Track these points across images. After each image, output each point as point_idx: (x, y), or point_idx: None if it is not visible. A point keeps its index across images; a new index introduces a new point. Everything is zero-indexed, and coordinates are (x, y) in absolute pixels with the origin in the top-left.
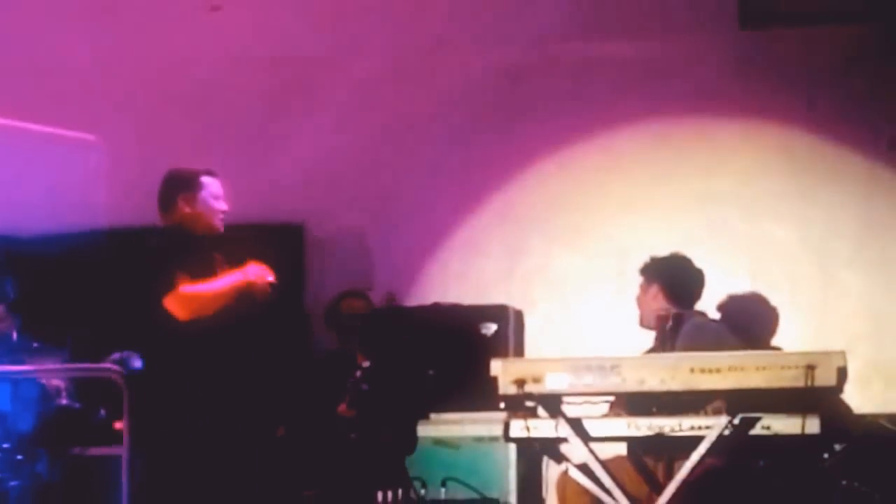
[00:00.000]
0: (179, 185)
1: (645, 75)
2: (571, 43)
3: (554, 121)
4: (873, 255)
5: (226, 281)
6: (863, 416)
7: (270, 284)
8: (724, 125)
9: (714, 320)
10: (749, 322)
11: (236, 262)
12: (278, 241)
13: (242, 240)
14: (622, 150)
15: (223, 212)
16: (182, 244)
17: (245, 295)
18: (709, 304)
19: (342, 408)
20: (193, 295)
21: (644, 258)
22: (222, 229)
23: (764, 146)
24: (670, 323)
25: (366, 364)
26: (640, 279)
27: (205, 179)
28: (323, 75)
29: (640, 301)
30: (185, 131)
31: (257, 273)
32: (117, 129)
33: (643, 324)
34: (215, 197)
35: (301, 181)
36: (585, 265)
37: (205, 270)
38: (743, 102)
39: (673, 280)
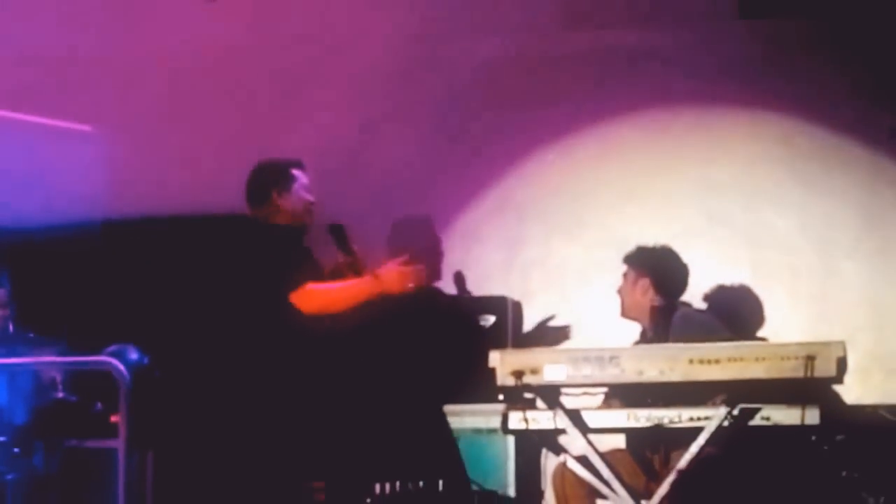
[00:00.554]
0: (273, 180)
1: (644, 65)
2: (571, 33)
3: (552, 111)
4: (874, 245)
5: (358, 287)
6: (862, 407)
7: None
8: (724, 115)
9: (701, 311)
10: (737, 312)
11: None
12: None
13: (239, 230)
14: (621, 140)
15: (312, 203)
16: (291, 239)
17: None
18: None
19: None
20: (323, 292)
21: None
22: (311, 221)
23: (764, 136)
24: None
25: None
26: (624, 269)
27: (296, 172)
28: (319, 66)
29: (626, 292)
30: (180, 122)
31: (394, 279)
32: (113, 120)
33: (628, 315)
34: (306, 189)
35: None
36: (584, 256)
37: (312, 263)
38: (743, 92)
39: (665, 272)
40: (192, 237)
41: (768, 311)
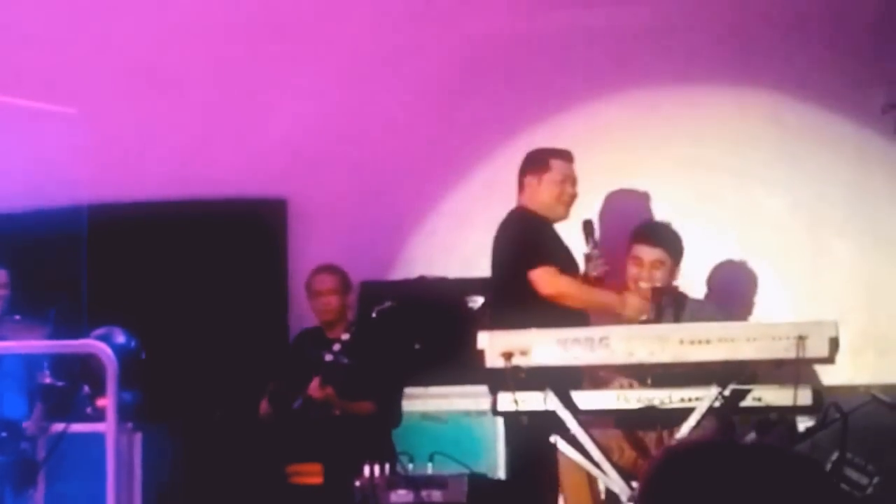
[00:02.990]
0: (528, 164)
1: (633, 43)
2: (557, 11)
3: (540, 90)
4: (865, 223)
5: (605, 299)
6: (855, 387)
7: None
8: (712, 93)
9: (713, 305)
10: (728, 292)
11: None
12: (261, 215)
13: (226, 214)
14: (610, 119)
15: (571, 196)
16: (544, 225)
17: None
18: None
19: (313, 387)
20: (560, 281)
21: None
22: (567, 215)
23: (754, 114)
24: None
25: (344, 337)
26: (651, 249)
27: (554, 162)
28: (306, 48)
29: (656, 272)
30: (167, 105)
31: (636, 308)
32: (98, 104)
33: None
34: (562, 181)
35: (284, 155)
36: (572, 236)
37: (559, 253)
38: (731, 70)
39: (682, 251)
40: (179, 221)
41: (759, 290)
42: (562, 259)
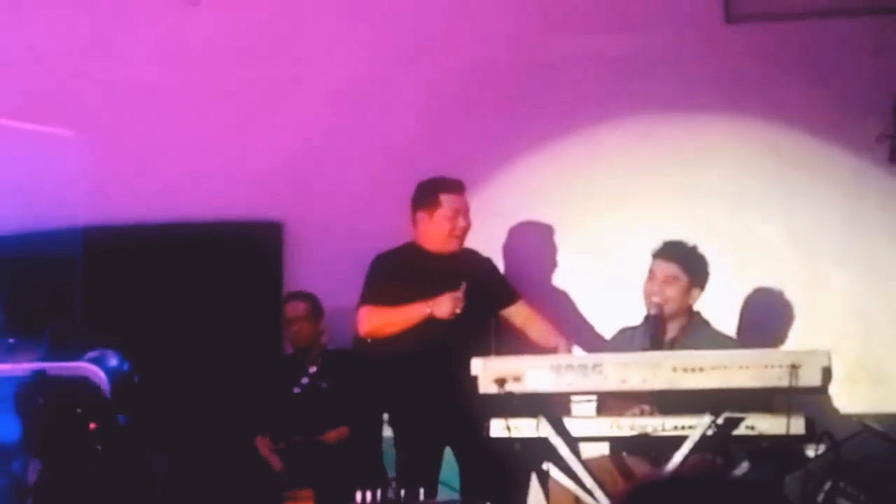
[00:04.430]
0: (418, 199)
1: (630, 70)
2: (555, 38)
3: (537, 117)
4: (860, 253)
5: (414, 311)
6: (849, 416)
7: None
8: (709, 121)
9: (726, 335)
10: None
11: (471, 278)
12: (257, 238)
13: (221, 237)
14: (606, 146)
15: (463, 229)
16: (403, 261)
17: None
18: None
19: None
20: (373, 314)
21: (629, 254)
22: (457, 248)
23: (750, 142)
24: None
25: (312, 369)
26: (666, 264)
27: (444, 197)
28: (303, 71)
29: (678, 292)
30: (163, 128)
31: (444, 309)
32: (95, 126)
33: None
34: (452, 216)
35: (280, 178)
36: (568, 262)
37: (426, 289)
38: (729, 98)
39: (701, 273)
40: (174, 244)
41: (756, 319)
42: (397, 293)
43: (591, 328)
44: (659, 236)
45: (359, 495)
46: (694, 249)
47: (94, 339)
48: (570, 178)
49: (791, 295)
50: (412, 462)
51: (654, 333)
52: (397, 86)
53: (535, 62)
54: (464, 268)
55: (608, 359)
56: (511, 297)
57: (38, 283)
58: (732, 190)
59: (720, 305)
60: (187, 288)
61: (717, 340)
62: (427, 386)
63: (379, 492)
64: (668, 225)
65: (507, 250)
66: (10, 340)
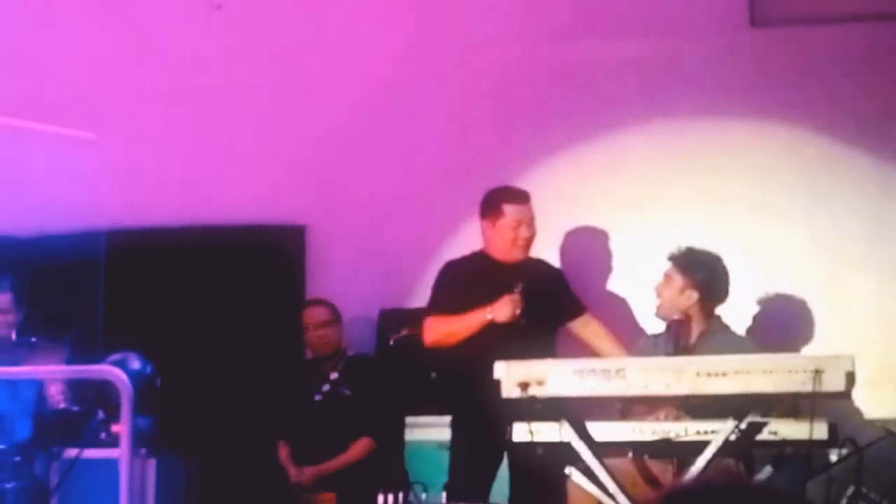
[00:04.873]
0: (483, 208)
1: (654, 74)
2: (579, 41)
3: (560, 120)
4: (883, 256)
5: (474, 318)
6: (872, 422)
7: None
8: (732, 124)
9: (744, 338)
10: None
11: (535, 287)
12: (280, 242)
13: (244, 241)
14: (629, 150)
15: (526, 239)
16: (470, 270)
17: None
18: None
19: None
20: (436, 325)
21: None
22: (521, 258)
23: (773, 146)
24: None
25: (333, 376)
26: (672, 270)
27: (507, 207)
28: (327, 74)
29: (671, 292)
30: (186, 131)
31: (503, 311)
32: (117, 129)
33: (667, 316)
34: (515, 226)
35: (303, 182)
36: (591, 265)
37: (491, 298)
38: (752, 101)
39: (717, 281)
40: (196, 247)
41: (778, 323)
42: (463, 301)
43: (614, 332)
44: (681, 240)
45: (381, 499)
46: (699, 255)
47: (116, 342)
48: (593, 182)
49: (814, 299)
50: (468, 468)
51: (676, 339)
52: (424, 90)
53: (560, 67)
54: (529, 277)
55: (631, 363)
56: (576, 309)
57: (60, 285)
58: (755, 193)
59: (743, 309)
60: (209, 291)
61: (737, 344)
62: (490, 393)
63: (401, 495)
64: (690, 229)
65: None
66: (33, 339)
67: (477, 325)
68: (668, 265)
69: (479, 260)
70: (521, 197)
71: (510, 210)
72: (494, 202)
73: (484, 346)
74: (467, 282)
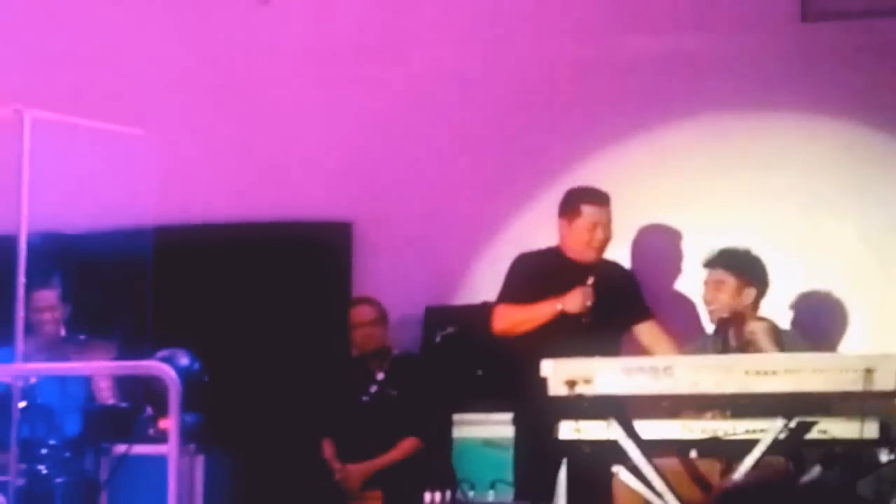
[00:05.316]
0: (562, 206)
1: (703, 69)
2: (628, 36)
3: (608, 115)
4: None
5: (545, 308)
6: None
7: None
8: (781, 120)
9: (792, 333)
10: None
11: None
12: (327, 238)
13: (291, 237)
14: (677, 146)
15: (601, 241)
16: (542, 265)
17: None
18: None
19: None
20: (507, 313)
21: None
22: (594, 259)
23: (823, 141)
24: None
25: (380, 376)
26: (722, 273)
27: (585, 208)
28: (374, 68)
29: (727, 295)
30: (234, 127)
31: (575, 302)
32: (165, 125)
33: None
34: (591, 227)
35: (350, 178)
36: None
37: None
38: (802, 97)
39: (765, 274)
40: (243, 244)
41: (828, 321)
42: (533, 294)
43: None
44: (729, 237)
45: (427, 496)
46: (745, 255)
47: (164, 339)
48: (640, 178)
49: (864, 296)
50: (532, 465)
51: (725, 338)
52: (472, 85)
53: (609, 61)
54: (600, 278)
55: (679, 361)
56: (642, 313)
57: (108, 282)
58: (804, 190)
59: (791, 307)
60: (256, 288)
61: (790, 340)
62: None
63: (448, 493)
64: (739, 225)
65: None
66: (82, 336)
67: (547, 316)
68: (713, 271)
69: (552, 256)
70: (600, 198)
71: (587, 211)
72: (573, 201)
73: (548, 343)
74: (539, 276)
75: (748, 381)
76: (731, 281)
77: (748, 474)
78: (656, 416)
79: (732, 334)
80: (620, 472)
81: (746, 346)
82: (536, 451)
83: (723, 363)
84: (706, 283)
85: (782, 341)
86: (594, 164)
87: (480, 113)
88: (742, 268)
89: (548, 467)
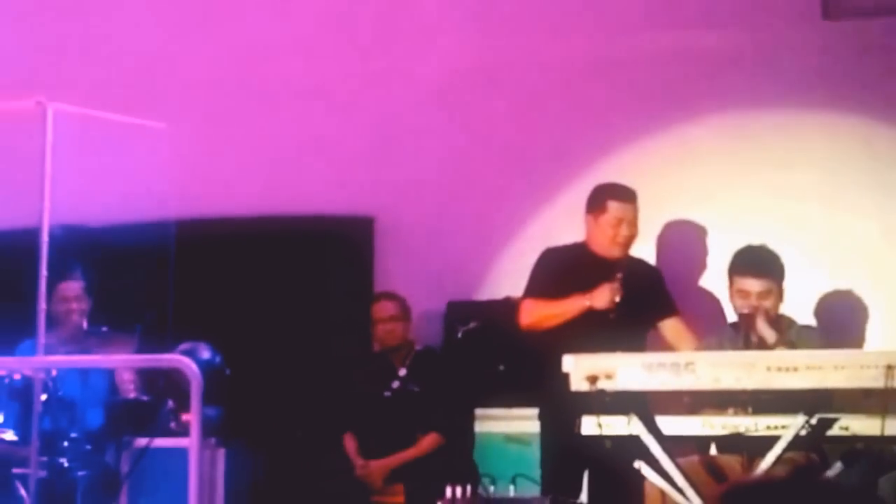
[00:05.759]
0: (589, 201)
1: (725, 66)
2: (651, 33)
3: (632, 112)
4: None
5: (574, 304)
6: None
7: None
8: (804, 117)
9: (811, 328)
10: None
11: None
12: (348, 233)
13: (312, 231)
14: (700, 143)
15: (626, 238)
16: (569, 260)
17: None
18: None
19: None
20: (534, 307)
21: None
22: (620, 255)
23: (845, 140)
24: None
25: (402, 372)
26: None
27: (612, 204)
28: (396, 65)
29: (775, 301)
30: (255, 121)
31: (603, 298)
32: (187, 119)
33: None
34: (616, 223)
35: (372, 173)
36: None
37: (582, 289)
38: (824, 94)
39: (783, 273)
40: (266, 237)
41: (849, 318)
42: (559, 289)
43: None
44: (751, 235)
45: (449, 491)
46: (773, 254)
47: (186, 332)
48: (663, 175)
49: (886, 293)
50: (559, 460)
51: (747, 334)
52: (495, 81)
53: (632, 58)
54: (626, 274)
55: (701, 357)
56: (667, 310)
57: (130, 275)
58: (827, 187)
59: (813, 304)
60: (278, 282)
61: (804, 335)
62: None
63: (469, 487)
64: (761, 222)
65: None
66: (104, 329)
67: (574, 312)
68: (758, 281)
69: (578, 251)
70: (627, 195)
71: (614, 207)
72: (600, 197)
73: (573, 339)
74: (565, 271)
75: (770, 378)
76: (774, 288)
77: (761, 473)
78: (677, 411)
79: (754, 330)
80: (642, 467)
81: (762, 340)
82: (561, 447)
83: (744, 359)
84: (744, 291)
85: (785, 328)
86: (618, 160)
87: (503, 109)
88: (781, 272)
89: (573, 463)
